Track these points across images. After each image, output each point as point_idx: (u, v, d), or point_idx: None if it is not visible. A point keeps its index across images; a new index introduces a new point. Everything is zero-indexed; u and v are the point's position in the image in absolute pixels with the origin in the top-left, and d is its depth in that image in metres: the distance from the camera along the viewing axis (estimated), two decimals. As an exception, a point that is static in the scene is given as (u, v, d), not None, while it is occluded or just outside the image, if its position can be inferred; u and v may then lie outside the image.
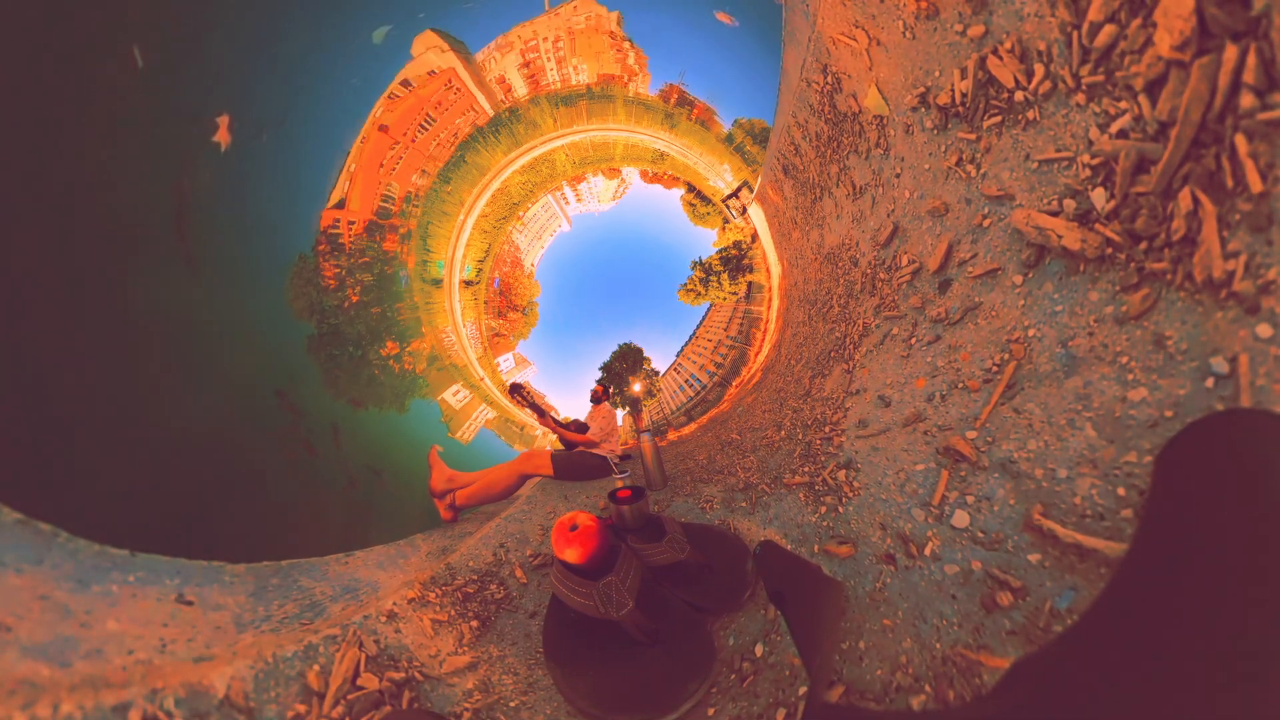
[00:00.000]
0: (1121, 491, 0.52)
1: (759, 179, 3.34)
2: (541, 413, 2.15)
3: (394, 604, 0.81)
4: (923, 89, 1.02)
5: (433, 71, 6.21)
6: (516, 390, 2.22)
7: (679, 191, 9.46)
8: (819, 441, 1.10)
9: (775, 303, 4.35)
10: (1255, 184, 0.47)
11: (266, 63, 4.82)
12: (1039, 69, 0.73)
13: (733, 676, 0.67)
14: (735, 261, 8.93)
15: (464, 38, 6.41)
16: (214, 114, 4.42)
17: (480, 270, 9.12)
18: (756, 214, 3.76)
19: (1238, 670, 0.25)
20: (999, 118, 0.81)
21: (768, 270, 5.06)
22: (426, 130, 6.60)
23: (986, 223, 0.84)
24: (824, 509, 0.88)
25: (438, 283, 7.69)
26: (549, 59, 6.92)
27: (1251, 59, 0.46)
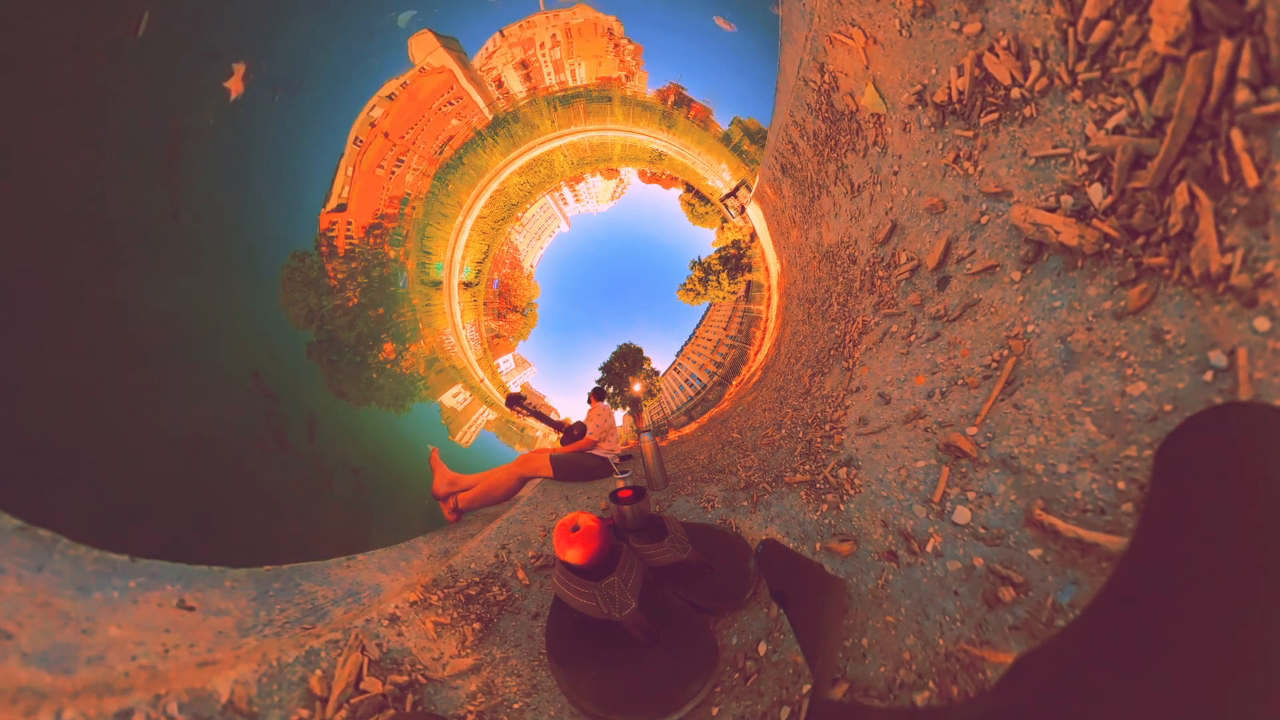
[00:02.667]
0: (1122, 485, 0.52)
1: (757, 178, 3.35)
2: (545, 418, 2.15)
3: (396, 607, 0.81)
4: (920, 87, 1.02)
5: (424, 68, 6.20)
6: (516, 401, 2.21)
7: (677, 191, 9.46)
8: (819, 439, 1.10)
9: (774, 301, 4.36)
10: (1251, 178, 0.47)
11: (292, 22, 4.52)
12: (1035, 66, 0.74)
13: (736, 675, 0.67)
14: (734, 261, 8.93)
15: (464, 37, 6.39)
16: (230, 58, 4.09)
17: (479, 272, 9.10)
18: (755, 213, 3.77)
19: (1240, 662, 0.25)
20: (996, 115, 0.82)
21: (766, 269, 5.07)
22: (424, 133, 6.60)
23: (984, 219, 0.84)
24: (825, 507, 0.88)
25: (437, 284, 7.68)
26: (546, 60, 6.92)
27: (1246, 54, 0.46)
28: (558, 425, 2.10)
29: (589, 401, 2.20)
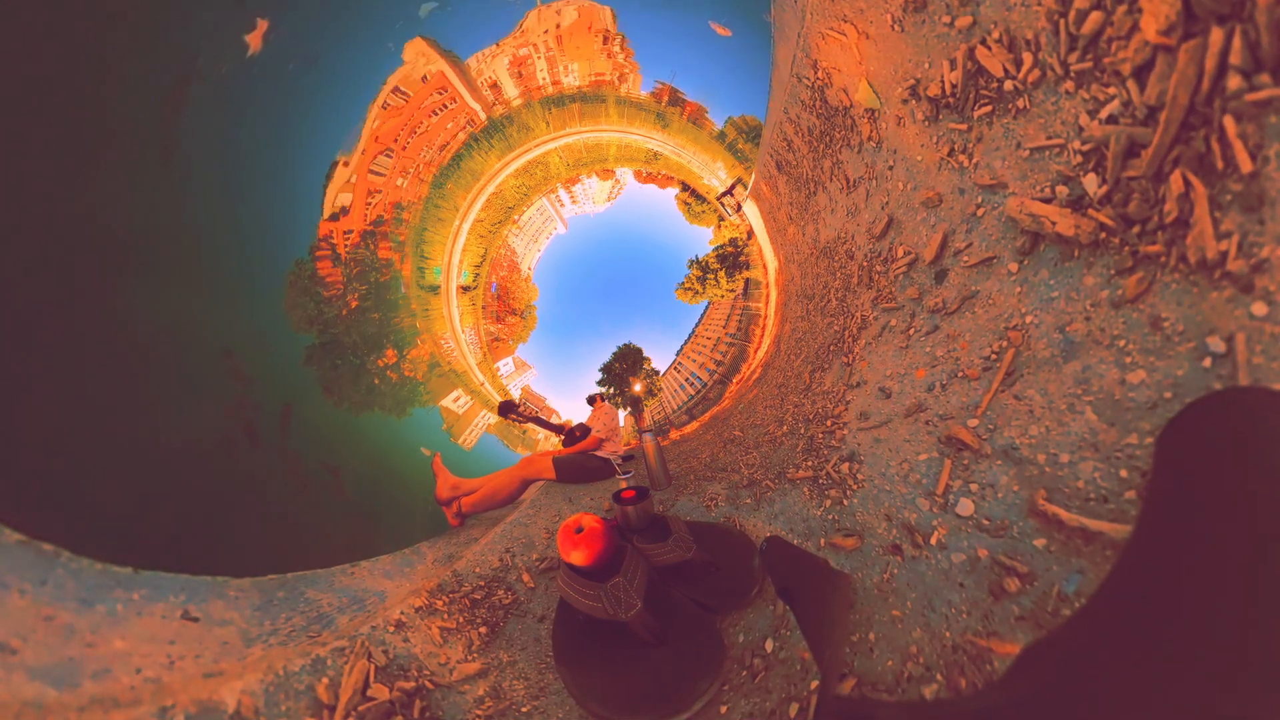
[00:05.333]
0: (1124, 473, 0.52)
1: (752, 175, 3.36)
2: (543, 422, 2.14)
3: (401, 613, 0.81)
4: (913, 81, 1.03)
5: (425, 78, 6.22)
6: (509, 409, 2.13)
7: (673, 190, 9.48)
8: (821, 435, 1.10)
9: (773, 298, 4.37)
10: (1245, 164, 0.47)
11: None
12: (1027, 58, 0.74)
13: (744, 673, 0.67)
14: (732, 259, 8.94)
15: (466, 39, 6.35)
16: (257, 10, 3.96)
17: (477, 275, 9.11)
18: (751, 211, 3.78)
19: (1245, 646, 0.25)
20: (989, 107, 0.82)
21: (764, 266, 5.07)
22: (419, 136, 6.61)
23: (980, 212, 0.84)
24: (829, 502, 0.88)
25: (435, 289, 7.68)
26: (539, 62, 6.93)
27: (1237, 41, 0.47)
28: (557, 429, 2.10)
29: (589, 404, 2.20)
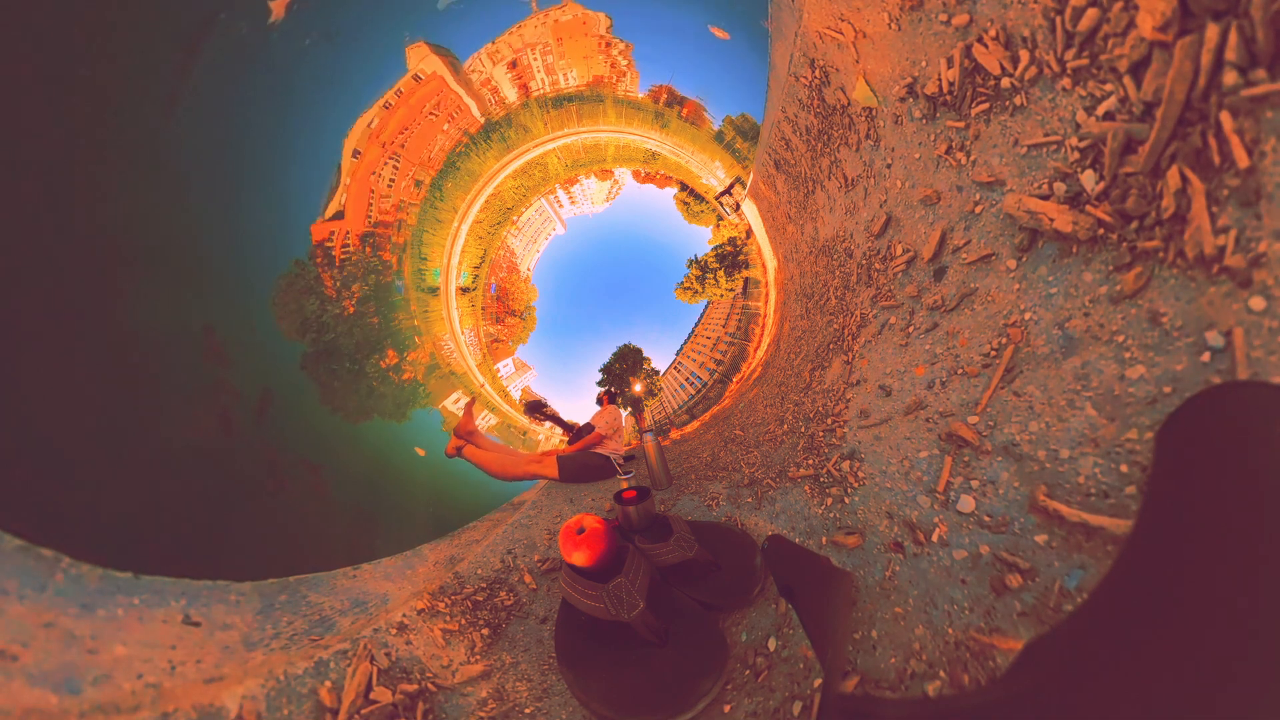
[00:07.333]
0: (1124, 469, 0.52)
1: (751, 175, 3.36)
2: (562, 424, 2.19)
3: (404, 615, 0.80)
4: (910, 79, 1.03)
5: (418, 76, 6.21)
6: (537, 409, 2.28)
7: (672, 190, 9.48)
8: (822, 434, 1.10)
9: (772, 297, 4.37)
10: (1242, 159, 0.47)
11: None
12: (1024, 55, 0.74)
13: (747, 672, 0.67)
14: (731, 258, 8.95)
15: (463, 40, 6.34)
16: None
17: (477, 277, 9.11)
18: (750, 210, 3.78)
19: (1246, 639, 0.25)
20: (986, 105, 0.82)
21: (764, 265, 5.08)
22: (418, 137, 6.60)
23: (978, 209, 0.85)
24: (830, 500, 0.89)
25: (434, 291, 7.68)
26: (537, 63, 6.93)
27: (1233, 37, 0.47)
28: (568, 427, 2.14)
29: (599, 402, 2.23)
